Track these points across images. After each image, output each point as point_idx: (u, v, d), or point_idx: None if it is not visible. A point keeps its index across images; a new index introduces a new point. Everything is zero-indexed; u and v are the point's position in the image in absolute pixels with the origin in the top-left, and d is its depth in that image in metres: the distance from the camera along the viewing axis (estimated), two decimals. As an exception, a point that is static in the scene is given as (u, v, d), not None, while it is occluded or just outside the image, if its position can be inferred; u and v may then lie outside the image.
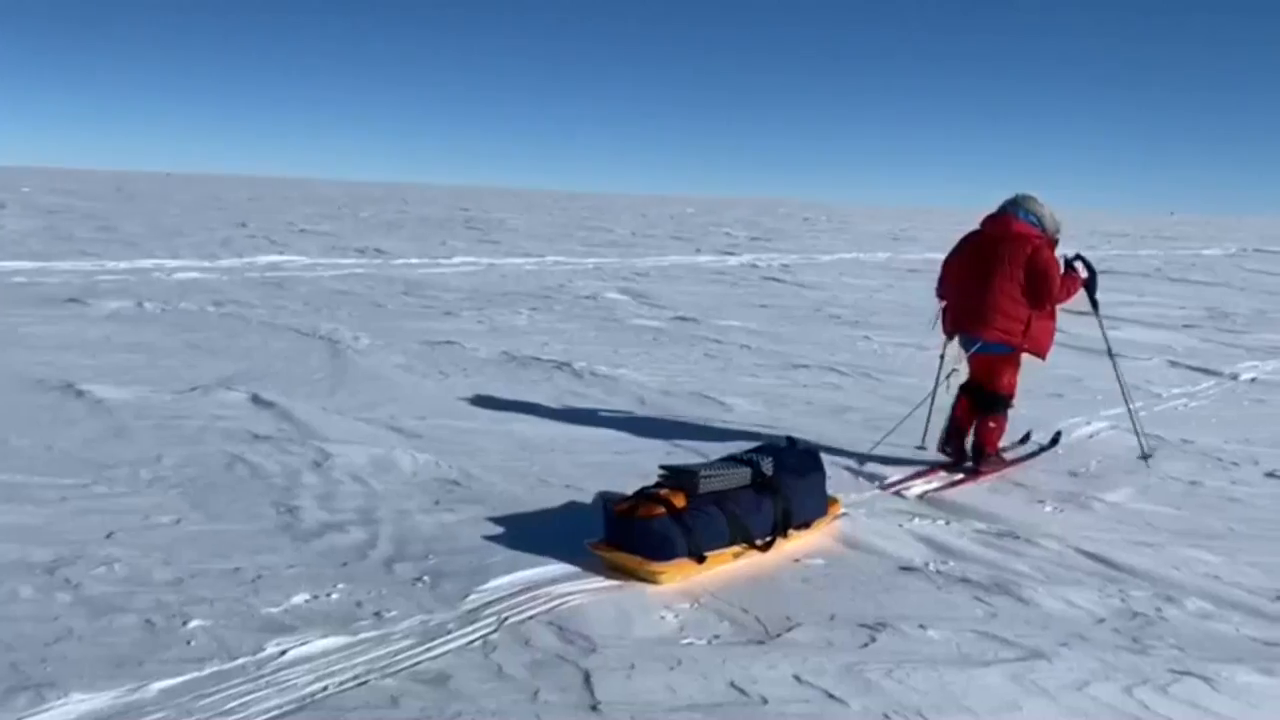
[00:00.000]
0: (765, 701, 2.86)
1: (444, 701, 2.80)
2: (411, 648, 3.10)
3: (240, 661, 2.97)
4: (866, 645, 3.24)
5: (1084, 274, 5.52)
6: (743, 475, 4.10)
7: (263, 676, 2.89)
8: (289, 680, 2.87)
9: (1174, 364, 9.23)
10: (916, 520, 4.53)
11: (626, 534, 3.78)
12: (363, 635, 3.17)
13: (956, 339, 5.49)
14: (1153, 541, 4.37)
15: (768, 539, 4.02)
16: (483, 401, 6.66)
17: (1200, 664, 3.18)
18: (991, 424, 5.40)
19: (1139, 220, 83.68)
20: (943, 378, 5.60)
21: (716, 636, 3.28)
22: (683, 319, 11.24)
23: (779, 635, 3.30)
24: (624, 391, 7.15)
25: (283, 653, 3.03)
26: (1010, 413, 5.55)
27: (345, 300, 11.76)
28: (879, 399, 7.18)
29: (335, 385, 6.99)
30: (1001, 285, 5.23)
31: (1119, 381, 5.96)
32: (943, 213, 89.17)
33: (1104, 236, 40.68)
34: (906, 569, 3.95)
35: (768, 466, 4.18)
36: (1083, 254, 5.69)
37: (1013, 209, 5.39)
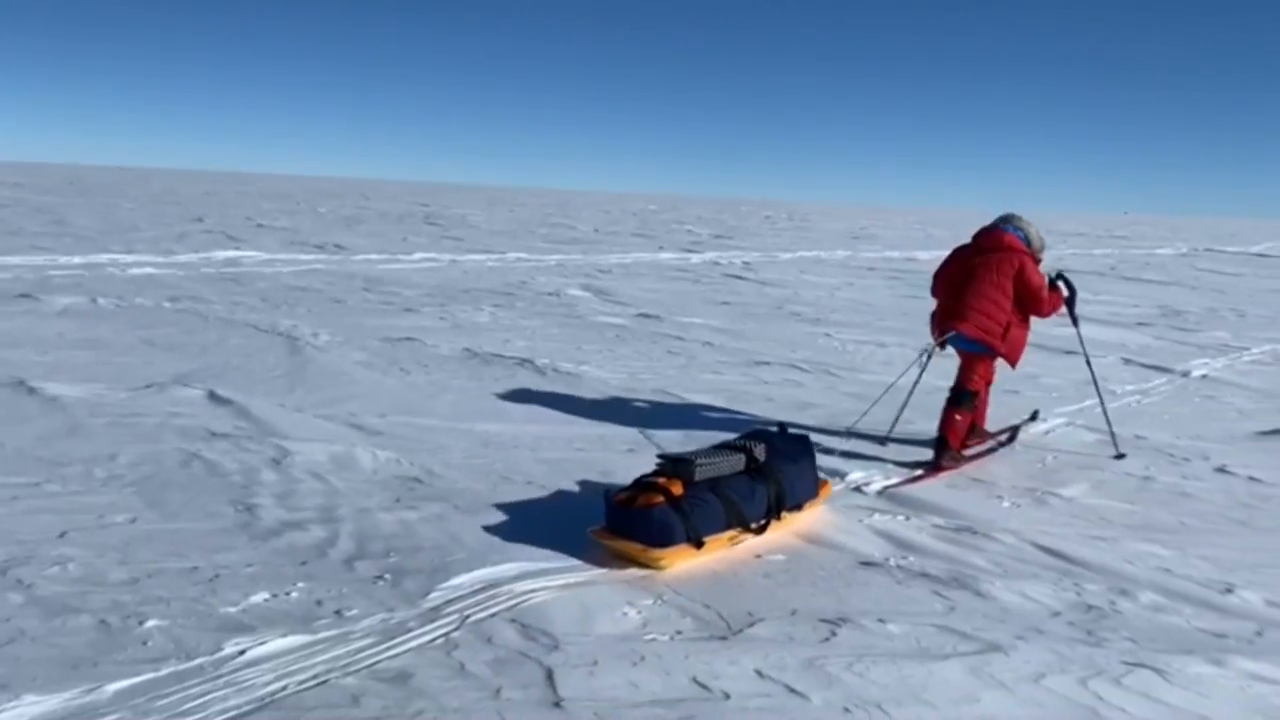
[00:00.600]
0: (727, 697, 2.87)
1: (405, 700, 2.78)
2: (372, 646, 3.08)
3: (198, 662, 2.93)
4: (827, 640, 3.27)
5: (1065, 293, 5.91)
6: (737, 461, 4.24)
7: (221, 676, 2.86)
8: (248, 680, 2.84)
9: (1128, 361, 9.38)
10: (877, 516, 4.58)
11: (627, 522, 3.87)
12: (323, 634, 3.14)
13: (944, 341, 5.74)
14: (1107, 536, 4.44)
15: (763, 522, 4.14)
16: (444, 398, 6.62)
17: (1153, 655, 3.24)
18: (958, 417, 5.55)
19: (1094, 220, 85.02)
20: (917, 362, 5.90)
21: (679, 632, 3.29)
22: (645, 316, 11.24)
23: (741, 631, 3.32)
24: (587, 388, 7.15)
25: (241, 652, 2.99)
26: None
27: (304, 296, 11.63)
28: (840, 395, 7.24)
29: (294, 382, 6.92)
30: (985, 289, 5.56)
31: (1095, 386, 6.35)
32: (901, 213, 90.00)
33: (1060, 236, 41.24)
34: (867, 564, 3.99)
35: (760, 452, 4.32)
36: (1064, 274, 6.02)
37: (1004, 225, 5.82)
